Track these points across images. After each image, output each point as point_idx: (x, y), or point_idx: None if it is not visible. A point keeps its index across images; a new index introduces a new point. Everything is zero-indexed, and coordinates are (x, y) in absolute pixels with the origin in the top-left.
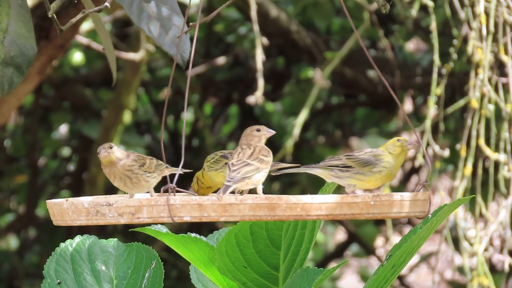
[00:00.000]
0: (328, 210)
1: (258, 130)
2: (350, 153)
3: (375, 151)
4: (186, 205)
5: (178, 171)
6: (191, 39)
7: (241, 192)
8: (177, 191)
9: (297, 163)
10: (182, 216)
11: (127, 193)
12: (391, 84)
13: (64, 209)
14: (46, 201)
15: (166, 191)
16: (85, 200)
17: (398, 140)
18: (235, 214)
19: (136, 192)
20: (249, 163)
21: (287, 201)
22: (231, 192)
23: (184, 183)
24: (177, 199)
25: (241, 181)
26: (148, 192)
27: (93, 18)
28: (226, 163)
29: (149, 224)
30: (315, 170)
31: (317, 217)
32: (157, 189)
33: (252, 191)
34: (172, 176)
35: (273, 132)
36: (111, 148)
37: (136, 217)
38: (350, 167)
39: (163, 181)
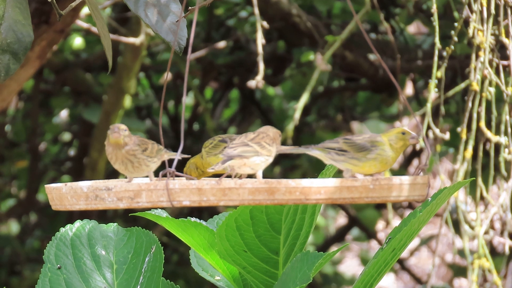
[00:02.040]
0: (327, 194)
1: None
2: (349, 137)
3: (374, 137)
4: (185, 190)
5: (177, 156)
6: (190, 25)
7: (240, 177)
8: (176, 176)
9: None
10: (181, 200)
11: (126, 177)
12: (392, 68)
13: (63, 193)
14: (45, 185)
15: (164, 175)
16: (84, 184)
17: (403, 133)
18: (234, 198)
19: (136, 176)
20: (248, 144)
21: (286, 185)
22: (229, 176)
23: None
24: (176, 184)
25: (238, 158)
26: (147, 176)
27: (89, 4)
28: (225, 147)
29: (149, 209)
30: (314, 152)
31: (316, 201)
32: (156, 173)
33: (252, 175)
34: (171, 160)
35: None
36: (125, 131)
37: (135, 202)
38: (345, 151)
39: (162, 165)
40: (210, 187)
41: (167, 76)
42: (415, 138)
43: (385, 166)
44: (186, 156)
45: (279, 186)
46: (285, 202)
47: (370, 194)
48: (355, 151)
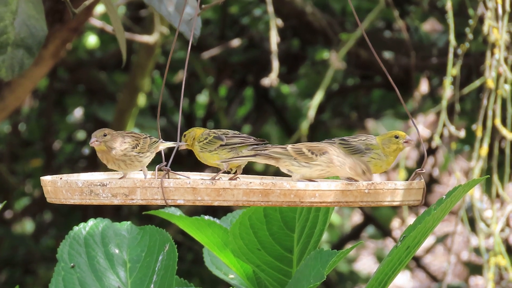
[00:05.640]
0: (321, 198)
1: None
2: (346, 138)
3: (369, 140)
4: (180, 188)
5: (176, 146)
6: (203, 22)
7: (235, 173)
8: (170, 171)
9: None
10: (175, 199)
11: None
12: (406, 65)
13: (58, 187)
14: (41, 178)
15: (160, 170)
16: (79, 179)
17: (395, 137)
18: (228, 199)
19: (130, 171)
20: (285, 148)
21: (281, 187)
22: (227, 172)
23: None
24: (171, 182)
25: (264, 157)
26: (141, 171)
27: (103, 0)
28: (221, 145)
29: (143, 206)
30: None
31: (311, 204)
32: (153, 166)
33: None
34: (167, 158)
35: None
36: (104, 136)
37: (129, 198)
38: None
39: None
40: (204, 186)
41: (168, 64)
42: (409, 141)
43: (379, 170)
44: (182, 143)
45: (273, 188)
46: (280, 204)
47: (365, 199)
48: (349, 153)
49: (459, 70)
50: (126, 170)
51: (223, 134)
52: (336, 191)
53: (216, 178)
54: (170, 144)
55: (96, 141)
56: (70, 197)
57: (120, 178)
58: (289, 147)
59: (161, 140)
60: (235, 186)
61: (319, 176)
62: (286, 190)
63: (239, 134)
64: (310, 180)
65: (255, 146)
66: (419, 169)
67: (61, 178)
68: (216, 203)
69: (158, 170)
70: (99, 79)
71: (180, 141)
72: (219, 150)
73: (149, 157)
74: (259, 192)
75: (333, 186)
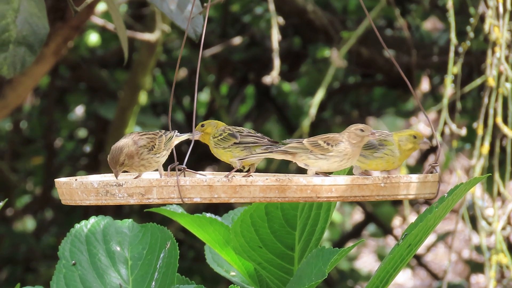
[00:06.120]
0: (338, 192)
1: (362, 130)
2: None
3: (384, 136)
4: (196, 186)
5: (193, 137)
6: (204, 16)
7: (248, 170)
8: (186, 170)
9: None
10: (192, 197)
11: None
12: (407, 63)
13: (73, 188)
14: (55, 180)
15: (173, 169)
16: (94, 180)
17: (414, 136)
18: (245, 196)
19: (147, 171)
20: (301, 142)
21: (297, 183)
22: (240, 170)
23: (197, 164)
24: (187, 180)
25: (280, 153)
26: (157, 170)
27: None
28: (234, 143)
29: (160, 205)
30: None
31: (327, 199)
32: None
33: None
34: (182, 156)
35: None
36: (122, 164)
37: (146, 198)
38: None
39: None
40: (221, 184)
41: (178, 65)
42: (426, 143)
43: (392, 166)
44: (197, 133)
45: (290, 184)
46: (296, 200)
47: (381, 193)
48: (363, 148)
49: (460, 68)
50: (143, 171)
51: (238, 132)
52: (353, 185)
53: (229, 176)
54: (185, 136)
55: (118, 172)
56: (85, 198)
57: (135, 178)
58: (305, 140)
59: (176, 133)
60: (251, 183)
61: (337, 168)
62: (302, 186)
63: (254, 133)
64: (325, 174)
65: (269, 146)
66: (433, 162)
67: (76, 180)
68: (232, 200)
69: (170, 170)
70: (100, 77)
71: (196, 132)
72: (232, 148)
73: (165, 155)
74: (276, 188)
75: (349, 180)
